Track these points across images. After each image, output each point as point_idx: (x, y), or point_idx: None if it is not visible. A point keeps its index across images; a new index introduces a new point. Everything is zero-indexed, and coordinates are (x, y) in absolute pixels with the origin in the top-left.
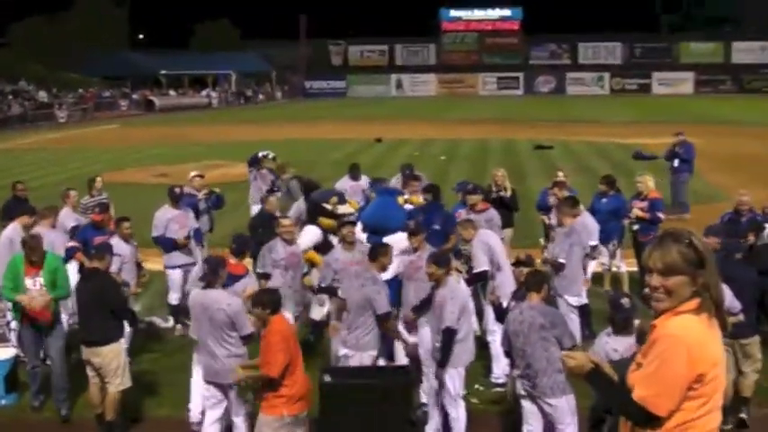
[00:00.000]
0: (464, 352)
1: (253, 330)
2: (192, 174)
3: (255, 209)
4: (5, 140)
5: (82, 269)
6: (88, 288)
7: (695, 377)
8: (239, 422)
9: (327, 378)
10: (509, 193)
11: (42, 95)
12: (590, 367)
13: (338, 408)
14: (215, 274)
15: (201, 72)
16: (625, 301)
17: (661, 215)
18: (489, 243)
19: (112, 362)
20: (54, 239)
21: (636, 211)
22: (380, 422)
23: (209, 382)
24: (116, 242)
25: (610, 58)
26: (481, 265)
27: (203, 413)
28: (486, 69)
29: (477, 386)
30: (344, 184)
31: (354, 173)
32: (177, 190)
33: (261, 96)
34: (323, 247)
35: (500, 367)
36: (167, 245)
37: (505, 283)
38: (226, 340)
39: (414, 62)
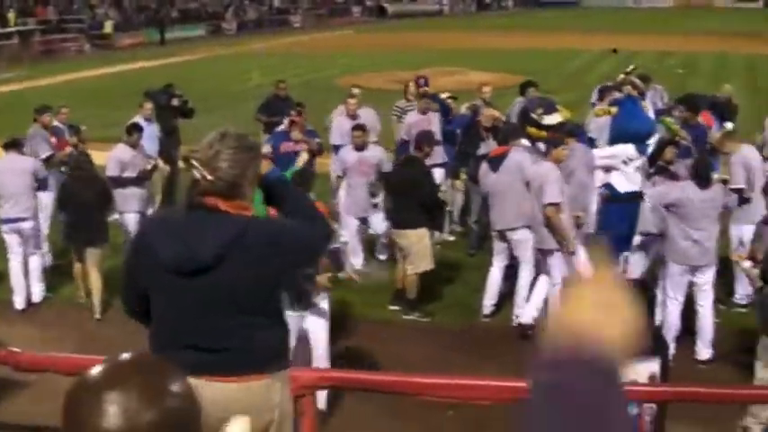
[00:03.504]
0: None
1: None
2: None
3: None
4: (242, 44)
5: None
6: (403, 173)
7: None
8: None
9: None
10: None
11: (278, 1)
12: None
13: None
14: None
15: None
16: None
17: None
18: (750, 161)
19: (414, 245)
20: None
21: None
22: None
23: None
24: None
25: None
26: (739, 181)
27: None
28: None
29: (720, 306)
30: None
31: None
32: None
33: (505, 3)
34: None
35: (743, 287)
36: None
37: (757, 206)
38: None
39: None
